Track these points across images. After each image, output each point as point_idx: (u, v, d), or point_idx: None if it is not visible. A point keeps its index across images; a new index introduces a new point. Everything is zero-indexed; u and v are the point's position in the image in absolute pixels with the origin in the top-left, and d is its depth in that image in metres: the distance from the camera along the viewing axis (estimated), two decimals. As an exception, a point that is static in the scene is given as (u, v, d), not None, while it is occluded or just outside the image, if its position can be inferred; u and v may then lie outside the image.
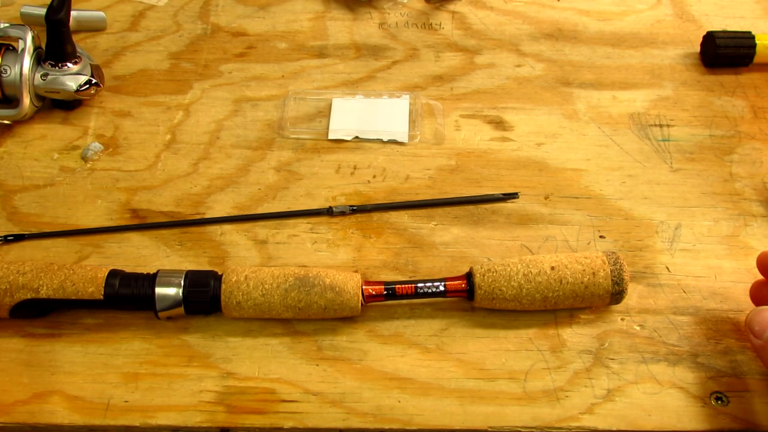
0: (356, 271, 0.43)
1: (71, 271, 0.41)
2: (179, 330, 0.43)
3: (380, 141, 0.54)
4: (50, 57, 0.53)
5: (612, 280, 0.41)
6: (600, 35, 0.62)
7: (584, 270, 0.41)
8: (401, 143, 0.54)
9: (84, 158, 0.52)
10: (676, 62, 0.61)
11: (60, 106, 0.55)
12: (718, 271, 0.46)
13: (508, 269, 0.41)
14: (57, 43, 0.52)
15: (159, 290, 0.41)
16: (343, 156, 0.53)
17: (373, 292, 0.42)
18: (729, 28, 0.61)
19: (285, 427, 0.39)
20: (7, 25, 0.53)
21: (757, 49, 0.59)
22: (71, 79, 0.53)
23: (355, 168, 0.52)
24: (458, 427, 0.39)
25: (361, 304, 0.42)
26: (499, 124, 0.55)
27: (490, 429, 0.39)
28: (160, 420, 0.39)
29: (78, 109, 0.55)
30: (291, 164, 0.52)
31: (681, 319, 0.44)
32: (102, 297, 0.41)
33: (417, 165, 0.52)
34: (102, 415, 0.39)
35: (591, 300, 0.42)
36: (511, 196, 0.50)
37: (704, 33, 0.60)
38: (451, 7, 0.66)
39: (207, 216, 0.49)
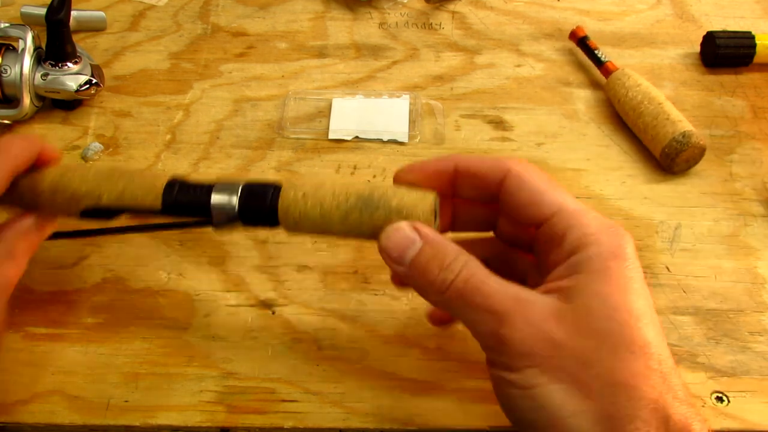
0: (433, 191, 0.36)
1: (131, 180, 0.40)
2: (179, 330, 0.43)
3: (380, 141, 0.54)
4: (50, 57, 0.53)
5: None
6: (600, 35, 0.62)
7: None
8: (401, 143, 0.54)
9: (84, 158, 0.52)
10: (676, 62, 0.61)
11: (60, 106, 0.55)
12: (718, 271, 0.46)
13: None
14: (57, 43, 0.52)
15: (216, 198, 0.38)
16: (343, 156, 0.53)
17: None
18: (729, 28, 0.61)
19: (285, 426, 0.39)
20: (7, 25, 0.53)
21: (757, 49, 0.59)
22: (71, 79, 0.53)
23: (355, 168, 0.52)
24: (458, 427, 0.39)
25: (437, 226, 0.35)
26: (499, 124, 0.55)
27: (490, 429, 0.39)
28: (160, 420, 0.39)
29: (78, 109, 0.55)
30: (291, 164, 0.52)
31: (681, 319, 0.44)
32: (160, 207, 0.39)
33: (417, 165, 0.52)
34: (102, 415, 0.39)
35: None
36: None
37: (704, 33, 0.60)
38: (451, 7, 0.66)
39: (207, 216, 0.49)
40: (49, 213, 0.41)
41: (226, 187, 0.38)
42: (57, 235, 0.47)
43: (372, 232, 0.35)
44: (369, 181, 0.51)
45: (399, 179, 0.37)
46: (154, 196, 0.39)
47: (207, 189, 0.39)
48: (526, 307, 0.30)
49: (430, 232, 0.33)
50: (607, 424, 0.28)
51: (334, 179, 0.37)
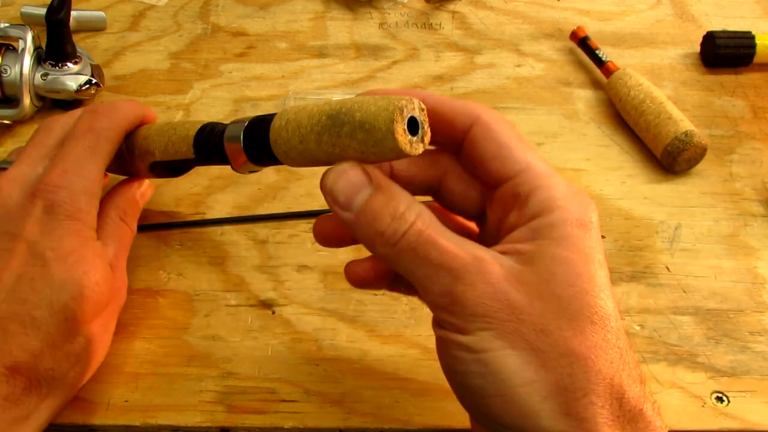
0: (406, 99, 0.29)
1: (174, 132, 0.40)
2: (179, 330, 0.43)
3: (380, 141, 0.54)
4: (50, 57, 0.53)
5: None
6: (600, 35, 0.62)
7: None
8: (401, 143, 0.53)
9: (84, 158, 0.52)
10: (676, 62, 0.61)
11: (60, 106, 0.55)
12: (718, 271, 0.46)
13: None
14: (57, 43, 0.52)
15: (227, 138, 0.36)
16: (343, 156, 0.53)
17: None
18: (729, 28, 0.61)
19: (285, 426, 0.39)
20: (7, 25, 0.53)
21: (757, 49, 0.59)
22: (71, 79, 0.53)
23: (355, 168, 0.52)
24: (458, 427, 0.39)
25: (416, 141, 0.29)
26: (499, 124, 0.55)
27: (490, 429, 0.39)
28: (160, 420, 0.39)
29: (78, 109, 0.55)
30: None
31: (681, 319, 0.44)
32: (194, 155, 0.39)
33: (417, 165, 0.52)
34: (102, 415, 0.39)
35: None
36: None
37: (704, 33, 0.60)
38: (451, 7, 0.66)
39: (207, 216, 0.48)
40: (137, 173, 0.44)
41: (237, 125, 0.35)
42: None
43: (350, 152, 0.30)
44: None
45: None
46: (187, 145, 0.39)
47: (222, 130, 0.37)
48: (484, 266, 0.28)
49: (381, 175, 0.30)
50: (560, 396, 0.27)
51: (315, 104, 0.33)
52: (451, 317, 0.29)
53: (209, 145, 0.38)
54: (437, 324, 0.30)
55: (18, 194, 0.37)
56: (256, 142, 0.34)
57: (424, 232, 0.29)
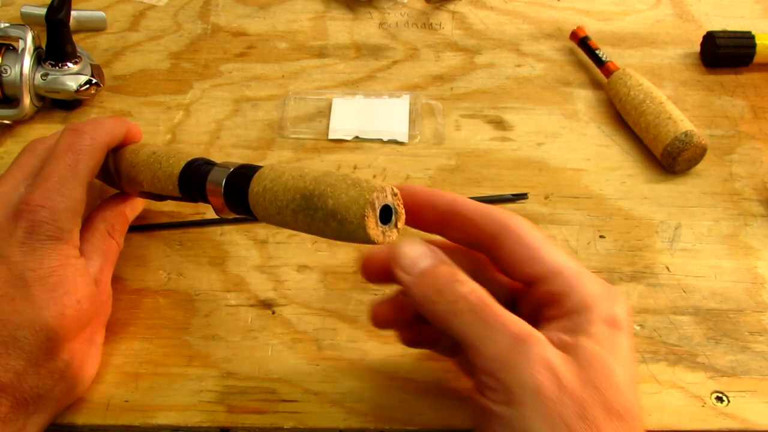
0: (381, 187, 0.30)
1: (159, 166, 0.40)
2: (179, 330, 0.43)
3: (380, 141, 0.54)
4: (50, 57, 0.53)
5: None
6: (600, 35, 0.62)
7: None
8: (401, 143, 0.54)
9: (84, 158, 0.52)
10: (676, 62, 0.61)
11: (60, 106, 0.55)
12: (718, 271, 0.46)
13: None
14: (57, 43, 0.52)
15: (209, 187, 0.36)
16: (343, 156, 0.53)
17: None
18: (729, 28, 0.61)
19: (285, 427, 0.39)
20: (7, 25, 0.53)
21: (757, 49, 0.59)
22: (71, 79, 0.53)
23: (355, 168, 0.52)
24: (458, 427, 0.39)
25: (389, 229, 0.30)
26: (499, 124, 0.55)
27: (490, 429, 0.39)
28: (160, 420, 0.39)
29: (78, 109, 0.55)
30: (291, 164, 0.52)
31: (681, 319, 0.44)
32: (179, 195, 0.39)
33: (417, 165, 0.52)
34: (102, 415, 0.39)
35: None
36: (520, 197, 0.50)
37: (704, 33, 0.61)
38: (451, 7, 0.66)
39: (207, 216, 0.48)
40: (127, 193, 0.44)
41: (220, 173, 0.36)
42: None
43: (326, 234, 0.31)
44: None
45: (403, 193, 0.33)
46: (173, 184, 0.40)
47: (205, 175, 0.37)
48: (539, 340, 0.30)
49: (441, 252, 0.33)
50: None
51: (300, 167, 0.33)
52: (497, 383, 0.29)
53: (193, 187, 0.38)
54: (479, 392, 0.31)
55: None
56: (237, 198, 0.34)
57: (483, 298, 0.31)
